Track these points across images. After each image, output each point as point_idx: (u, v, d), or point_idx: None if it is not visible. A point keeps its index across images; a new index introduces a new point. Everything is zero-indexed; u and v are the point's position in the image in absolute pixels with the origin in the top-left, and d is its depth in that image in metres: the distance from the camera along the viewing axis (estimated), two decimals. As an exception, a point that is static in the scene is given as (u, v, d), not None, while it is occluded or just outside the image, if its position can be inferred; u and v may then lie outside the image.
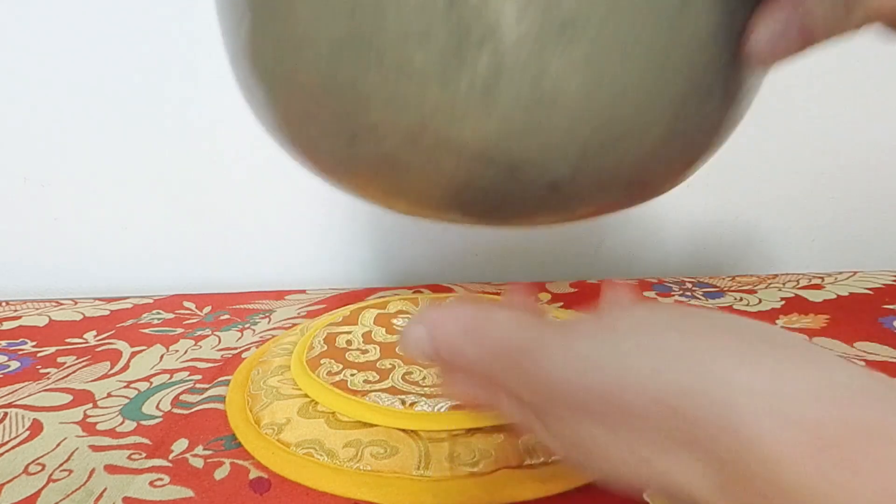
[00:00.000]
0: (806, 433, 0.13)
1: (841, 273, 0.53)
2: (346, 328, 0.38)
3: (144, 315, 0.49)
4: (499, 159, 0.20)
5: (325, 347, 0.36)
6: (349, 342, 0.36)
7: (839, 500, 0.12)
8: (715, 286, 0.52)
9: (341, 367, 0.33)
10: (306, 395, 0.32)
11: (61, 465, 0.30)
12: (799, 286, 0.50)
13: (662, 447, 0.15)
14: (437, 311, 0.20)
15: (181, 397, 0.36)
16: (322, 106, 0.20)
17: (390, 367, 0.33)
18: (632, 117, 0.19)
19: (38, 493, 0.28)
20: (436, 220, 0.25)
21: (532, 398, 0.18)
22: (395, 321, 0.39)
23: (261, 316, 0.49)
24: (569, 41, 0.18)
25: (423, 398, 0.30)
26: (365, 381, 0.32)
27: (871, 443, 0.13)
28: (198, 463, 0.30)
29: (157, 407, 0.35)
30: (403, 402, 0.30)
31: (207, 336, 0.45)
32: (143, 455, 0.31)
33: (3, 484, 0.29)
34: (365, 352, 0.35)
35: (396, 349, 0.35)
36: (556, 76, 0.18)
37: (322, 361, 0.34)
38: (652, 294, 0.51)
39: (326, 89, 0.20)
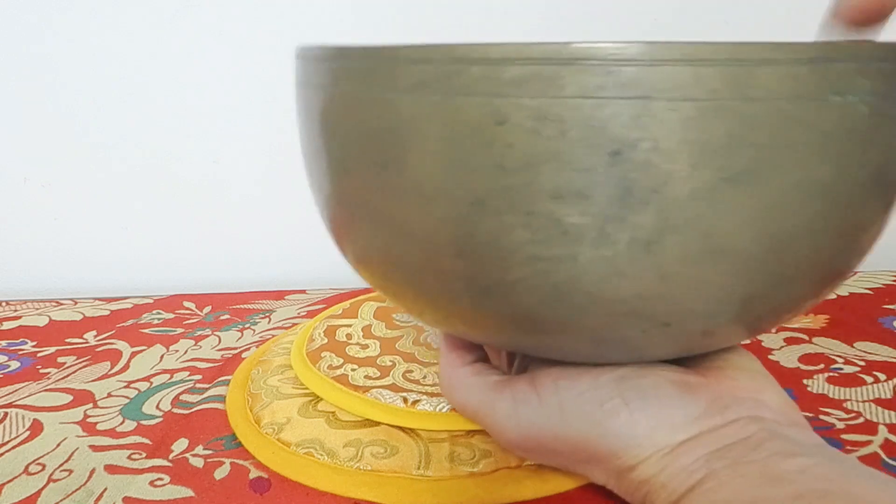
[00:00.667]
0: (654, 448, 0.21)
1: (841, 273, 0.53)
2: (345, 321, 0.38)
3: (144, 315, 0.49)
4: (654, 315, 0.19)
5: (326, 340, 0.36)
6: (349, 336, 0.36)
7: (676, 484, 0.20)
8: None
9: (342, 361, 0.33)
10: (307, 395, 0.32)
11: (61, 465, 0.30)
12: (799, 286, 0.50)
13: (579, 464, 0.23)
14: (443, 348, 0.27)
15: (181, 397, 0.36)
16: (451, 262, 0.19)
17: (391, 363, 0.33)
18: (804, 260, 0.18)
19: (39, 493, 0.28)
20: (549, 356, 0.24)
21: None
22: (394, 316, 0.39)
23: (261, 316, 0.49)
24: (744, 193, 0.17)
25: (425, 396, 0.30)
26: (366, 377, 0.32)
27: (694, 450, 0.20)
28: (198, 463, 0.30)
29: (158, 407, 0.35)
30: (405, 401, 0.30)
31: (207, 336, 0.45)
32: (144, 455, 0.31)
33: (4, 484, 0.29)
34: (365, 347, 0.35)
35: (396, 345, 0.35)
36: (728, 229, 0.17)
37: (323, 355, 0.34)
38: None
39: (460, 246, 0.18)
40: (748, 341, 0.24)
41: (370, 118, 0.19)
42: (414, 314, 0.24)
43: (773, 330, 0.42)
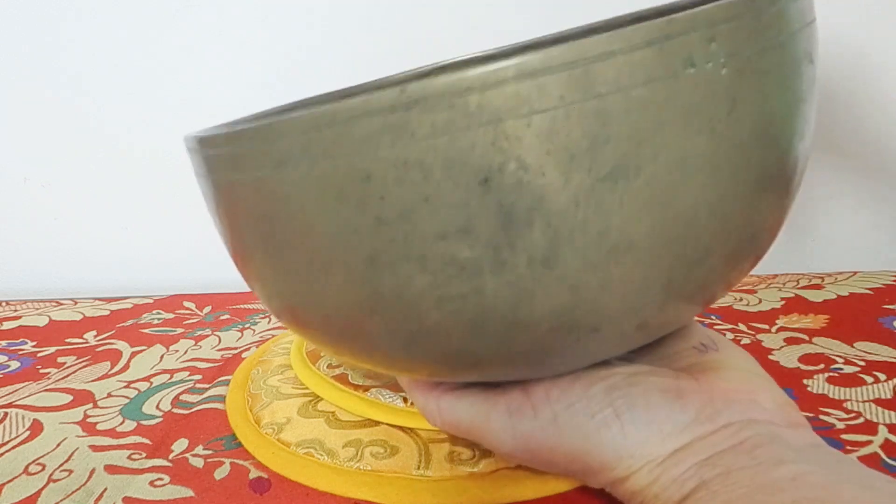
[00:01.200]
0: (646, 460, 0.21)
1: (841, 273, 0.53)
2: None
3: (144, 315, 0.49)
4: (578, 325, 0.18)
5: (325, 343, 0.36)
6: None
7: (668, 495, 0.20)
8: (715, 286, 0.52)
9: (341, 360, 0.33)
10: (306, 395, 0.32)
11: (61, 465, 0.30)
12: (799, 286, 0.50)
13: (574, 472, 0.23)
14: (406, 383, 0.26)
15: (181, 397, 0.36)
16: (368, 321, 0.19)
17: (390, 366, 0.33)
18: (710, 233, 0.18)
19: (39, 493, 0.28)
20: (509, 380, 0.24)
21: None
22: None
23: (261, 316, 0.49)
24: (625, 186, 0.16)
25: (423, 398, 0.30)
26: (365, 377, 0.32)
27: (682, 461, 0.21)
28: (198, 463, 0.30)
29: (158, 407, 0.35)
30: (405, 400, 0.30)
31: (207, 336, 0.45)
32: (143, 455, 0.31)
33: (4, 484, 0.29)
34: (365, 351, 0.35)
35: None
36: (620, 225, 0.17)
37: (322, 354, 0.34)
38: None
39: (370, 305, 0.18)
40: (696, 316, 0.24)
41: (250, 202, 0.19)
42: (374, 369, 0.24)
43: (773, 330, 0.42)
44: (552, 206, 0.16)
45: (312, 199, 0.17)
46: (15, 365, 0.41)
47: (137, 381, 0.38)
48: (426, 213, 0.16)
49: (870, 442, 0.29)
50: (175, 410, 0.35)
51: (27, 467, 0.30)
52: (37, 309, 0.51)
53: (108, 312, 0.50)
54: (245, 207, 0.19)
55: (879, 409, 0.32)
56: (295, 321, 0.21)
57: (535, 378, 0.23)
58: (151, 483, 0.28)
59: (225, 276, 0.60)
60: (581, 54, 0.15)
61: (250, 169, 0.18)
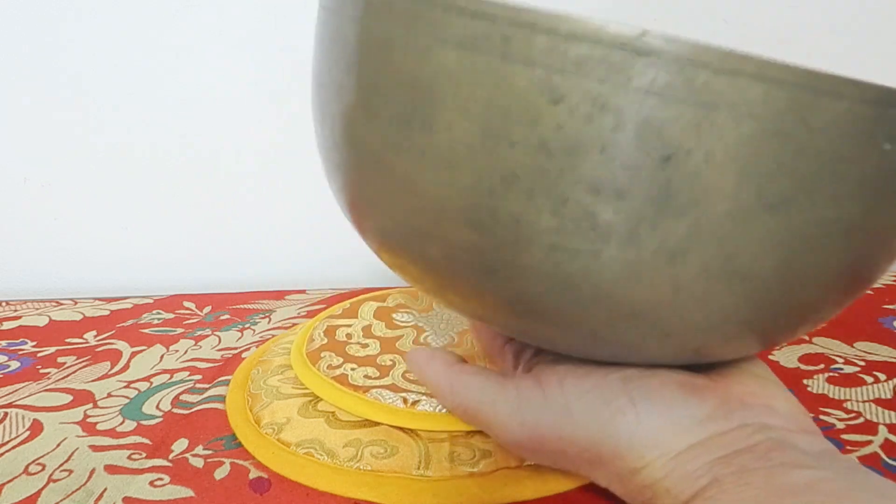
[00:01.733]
0: (660, 451, 0.21)
1: (841, 273, 0.53)
2: (345, 321, 0.38)
3: (144, 315, 0.49)
4: (656, 323, 0.18)
5: (325, 340, 0.36)
6: (349, 335, 0.36)
7: (680, 490, 0.20)
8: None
9: (341, 360, 0.33)
10: (306, 395, 0.32)
11: (61, 465, 0.30)
12: (799, 286, 0.50)
13: (583, 465, 0.22)
14: (420, 359, 0.26)
15: (181, 397, 0.36)
16: (463, 233, 0.18)
17: (391, 363, 0.33)
18: (811, 294, 0.18)
19: (39, 493, 0.28)
20: (544, 346, 0.23)
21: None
22: (394, 315, 0.39)
23: (261, 316, 0.49)
24: (778, 221, 0.16)
25: (425, 397, 0.30)
26: (365, 377, 0.32)
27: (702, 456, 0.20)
28: (198, 463, 0.30)
29: (158, 407, 0.35)
30: (405, 401, 0.30)
31: (207, 336, 0.45)
32: (143, 455, 0.31)
33: (4, 484, 0.29)
34: (365, 346, 0.35)
35: (396, 345, 0.35)
36: (752, 253, 0.17)
37: (322, 354, 0.34)
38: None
39: (478, 218, 0.18)
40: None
41: (406, 65, 0.17)
42: (419, 286, 0.23)
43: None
44: (710, 209, 0.16)
45: (485, 93, 0.16)
46: (15, 365, 0.41)
47: (137, 381, 0.38)
48: (595, 161, 0.16)
49: (870, 442, 0.29)
50: (175, 410, 0.35)
51: (27, 467, 0.30)
52: (37, 309, 0.51)
53: (108, 312, 0.50)
54: (394, 69, 0.18)
55: (879, 409, 0.32)
56: (376, 205, 0.20)
57: (576, 355, 0.22)
58: (151, 483, 0.28)
59: (225, 276, 0.60)
60: (816, 83, 0.15)
61: (428, 35, 0.17)
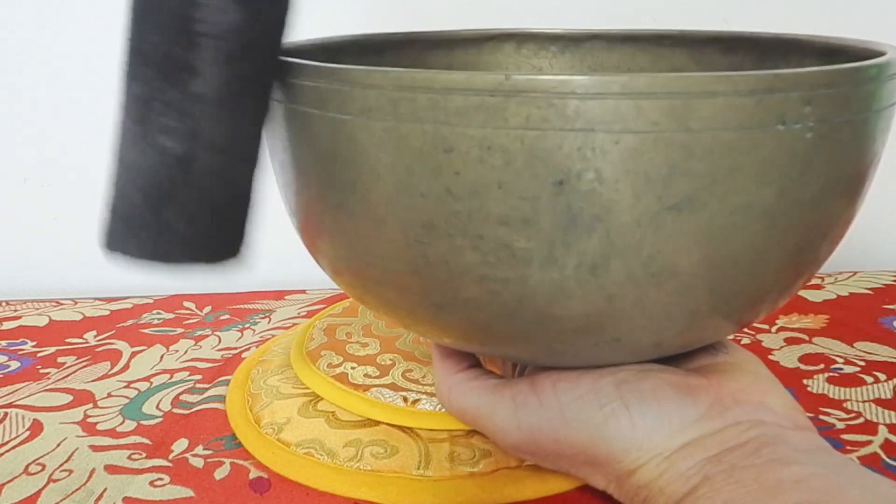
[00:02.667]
0: (654, 452, 0.21)
1: (841, 273, 0.53)
2: (345, 319, 0.38)
3: (144, 315, 0.49)
4: (602, 331, 0.19)
5: (325, 339, 0.36)
6: (349, 334, 0.36)
7: (673, 490, 0.20)
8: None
9: (341, 359, 0.33)
10: (307, 394, 0.32)
11: (61, 465, 0.30)
12: (799, 286, 0.50)
13: (580, 467, 0.23)
14: (435, 357, 0.26)
15: (181, 397, 0.36)
16: (407, 279, 0.20)
17: (390, 362, 0.33)
18: (747, 277, 0.19)
19: (39, 493, 0.28)
20: (519, 362, 0.26)
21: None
22: (395, 317, 0.39)
23: (261, 316, 0.49)
24: (687, 219, 0.17)
25: (425, 396, 0.30)
26: (365, 376, 0.32)
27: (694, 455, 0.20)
28: (198, 463, 0.30)
29: (158, 407, 0.35)
30: (405, 400, 0.30)
31: (207, 336, 0.45)
32: (143, 455, 0.31)
33: (4, 484, 0.29)
34: (365, 345, 0.35)
35: (396, 344, 0.35)
36: (671, 253, 0.17)
37: (322, 353, 0.34)
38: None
39: (414, 265, 0.19)
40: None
41: (323, 138, 0.19)
42: (385, 319, 0.24)
43: (773, 330, 0.42)
44: (616, 220, 0.17)
45: (389, 154, 0.18)
46: (15, 365, 0.41)
47: (137, 381, 0.38)
48: (496, 197, 0.17)
49: (870, 442, 0.29)
50: (175, 410, 0.35)
51: (27, 467, 0.30)
52: (37, 309, 0.51)
53: (108, 312, 0.50)
54: (317, 143, 0.19)
55: (879, 409, 0.32)
56: (338, 262, 0.22)
57: (545, 365, 0.23)
58: (151, 483, 0.28)
59: (225, 276, 0.60)
60: (686, 87, 0.16)
61: (334, 109, 0.18)
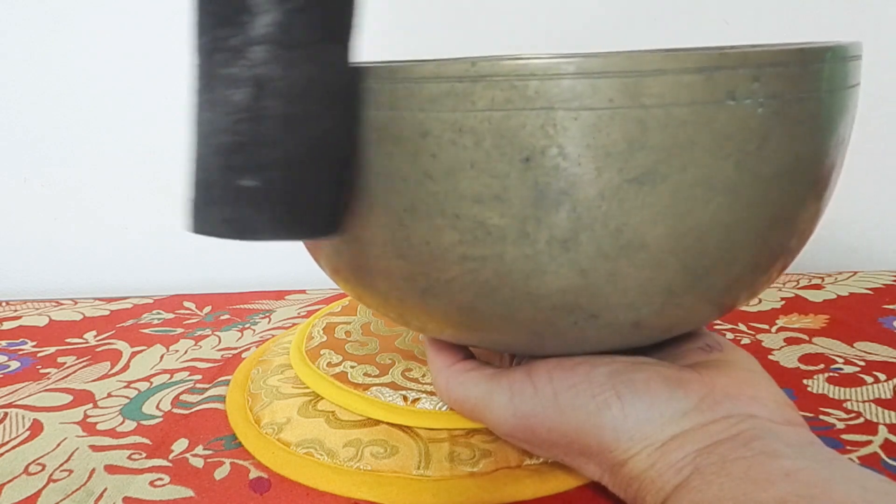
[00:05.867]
0: (645, 443, 0.21)
1: (841, 273, 0.53)
2: (344, 318, 0.38)
3: (144, 315, 0.49)
4: (579, 307, 0.20)
5: (325, 338, 0.36)
6: (348, 333, 0.36)
7: (664, 480, 0.20)
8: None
9: (341, 358, 0.33)
10: (306, 394, 0.32)
11: (61, 465, 0.30)
12: (799, 286, 0.50)
13: (574, 456, 0.23)
14: (430, 351, 0.27)
15: (181, 397, 0.36)
16: (394, 263, 0.21)
17: (390, 362, 0.33)
18: (717, 252, 0.19)
19: (39, 493, 0.28)
20: (507, 351, 0.26)
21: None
22: (394, 316, 0.39)
23: (261, 316, 0.49)
24: (649, 192, 0.18)
25: (425, 395, 0.30)
26: (365, 375, 0.32)
27: (685, 446, 0.21)
28: (198, 463, 0.30)
29: (158, 407, 0.35)
30: (405, 399, 0.30)
31: (207, 336, 0.45)
32: (143, 455, 0.31)
33: (4, 484, 0.29)
34: (364, 344, 0.35)
35: (395, 343, 0.35)
36: (637, 225, 0.18)
37: (322, 352, 0.34)
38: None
39: (399, 249, 0.20)
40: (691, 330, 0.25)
41: None
42: (384, 317, 0.25)
43: (773, 330, 0.42)
44: (581, 194, 0.18)
45: (372, 142, 0.19)
46: (15, 365, 0.41)
47: (137, 381, 0.38)
48: (469, 176, 0.18)
49: (870, 442, 0.29)
50: (175, 410, 0.35)
51: (27, 467, 0.30)
52: (37, 309, 0.51)
53: (108, 312, 0.50)
54: None
55: (879, 409, 0.32)
56: (328, 251, 0.23)
57: (534, 354, 0.24)
58: (151, 483, 0.28)
59: (225, 276, 0.60)
60: (637, 66, 0.17)
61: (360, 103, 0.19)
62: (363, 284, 0.23)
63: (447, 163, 0.18)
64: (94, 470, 0.29)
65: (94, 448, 0.31)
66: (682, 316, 0.22)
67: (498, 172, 0.18)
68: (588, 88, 0.17)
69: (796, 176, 0.20)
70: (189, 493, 0.28)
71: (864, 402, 0.33)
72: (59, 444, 0.32)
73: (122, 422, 0.34)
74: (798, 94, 0.18)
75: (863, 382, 0.35)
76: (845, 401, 0.33)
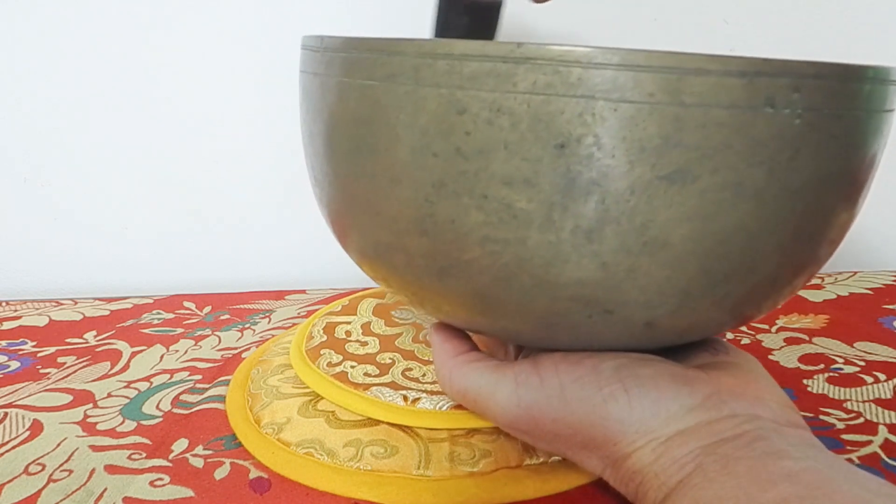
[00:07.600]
0: (650, 437, 0.21)
1: (841, 273, 0.53)
2: (344, 318, 0.38)
3: (144, 315, 0.49)
4: (596, 301, 0.20)
5: (325, 338, 0.36)
6: (348, 333, 0.36)
7: (667, 476, 0.20)
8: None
9: (341, 358, 0.33)
10: (307, 394, 0.32)
11: (61, 465, 0.30)
12: (799, 286, 0.50)
13: (577, 449, 0.23)
14: (435, 340, 0.27)
15: (181, 397, 0.36)
16: (416, 240, 0.21)
17: (390, 361, 0.33)
18: (738, 259, 0.19)
19: (39, 493, 0.28)
20: (517, 341, 0.26)
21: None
22: (394, 312, 0.39)
23: (261, 316, 0.49)
24: (678, 190, 0.18)
25: (425, 395, 0.30)
26: (365, 375, 0.32)
27: (688, 443, 0.21)
28: (198, 463, 0.30)
29: (158, 407, 0.35)
30: (405, 399, 0.30)
31: (207, 336, 0.45)
32: (144, 455, 0.31)
33: (4, 484, 0.29)
34: (364, 344, 0.35)
35: (395, 342, 0.35)
36: (663, 223, 0.18)
37: (322, 352, 0.34)
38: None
39: (423, 225, 0.20)
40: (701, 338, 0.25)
41: (353, 104, 0.21)
42: (399, 295, 0.25)
43: (773, 330, 0.42)
44: (611, 186, 0.18)
45: (408, 115, 0.19)
46: (15, 365, 0.41)
47: (137, 381, 0.38)
48: (502, 157, 0.18)
49: (870, 442, 0.29)
50: (175, 410, 0.35)
51: (27, 467, 0.30)
52: (37, 309, 0.51)
53: (108, 312, 0.50)
54: (346, 109, 0.21)
55: (879, 409, 0.32)
56: (350, 226, 0.23)
57: (544, 347, 0.24)
58: (151, 483, 0.28)
59: (225, 276, 0.60)
60: (680, 63, 0.17)
61: (363, 76, 0.20)
62: (383, 261, 0.23)
63: (481, 142, 0.18)
64: (94, 470, 0.29)
65: (94, 448, 0.31)
66: (696, 321, 0.22)
67: (531, 156, 0.18)
68: (630, 81, 0.17)
69: (823, 191, 0.20)
70: (189, 493, 0.28)
71: (864, 402, 0.33)
72: (59, 444, 0.32)
73: (122, 422, 0.34)
74: (836, 110, 0.18)
75: (863, 382, 0.35)
76: (845, 401, 0.33)
